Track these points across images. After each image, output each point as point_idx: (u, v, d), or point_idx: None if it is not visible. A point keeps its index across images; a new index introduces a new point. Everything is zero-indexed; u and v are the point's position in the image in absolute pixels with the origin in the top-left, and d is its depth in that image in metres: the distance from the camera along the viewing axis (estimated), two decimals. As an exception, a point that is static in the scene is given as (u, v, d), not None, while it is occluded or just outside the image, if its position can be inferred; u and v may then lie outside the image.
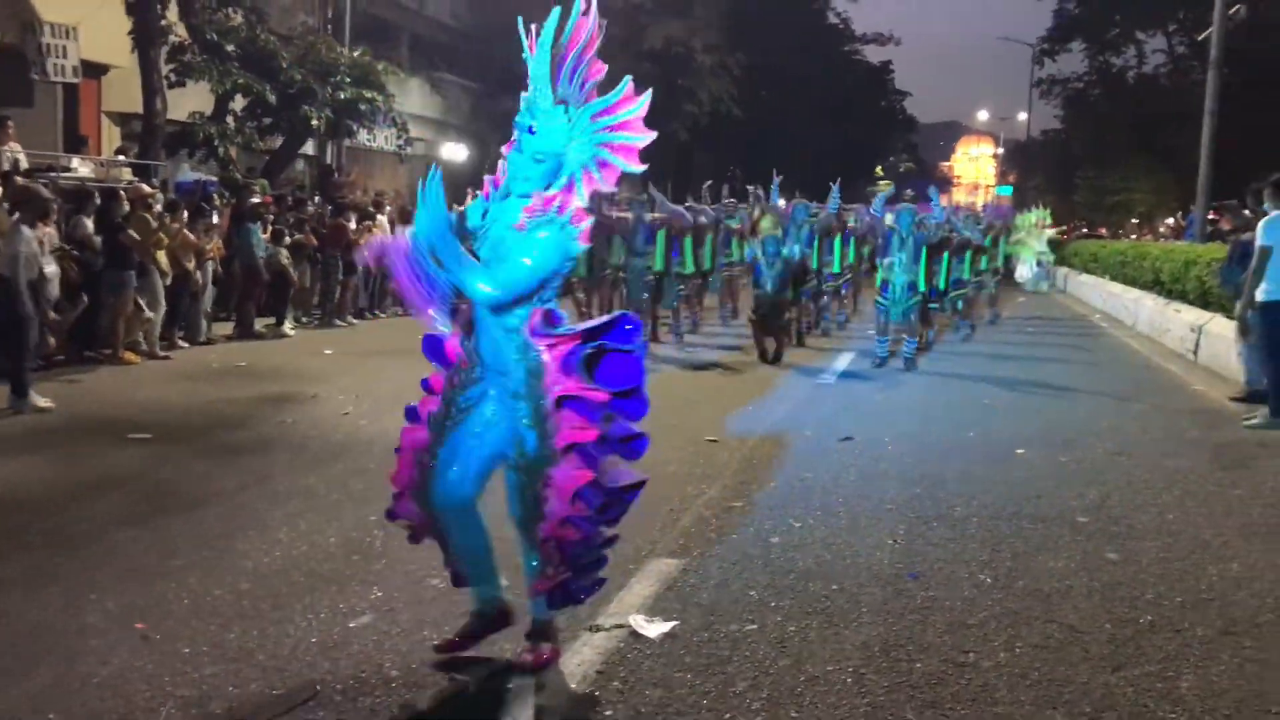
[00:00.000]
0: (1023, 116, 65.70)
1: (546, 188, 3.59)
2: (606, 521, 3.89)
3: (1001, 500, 6.45)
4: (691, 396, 10.00)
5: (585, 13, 3.53)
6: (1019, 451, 7.85)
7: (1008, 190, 68.97)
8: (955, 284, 14.72)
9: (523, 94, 3.61)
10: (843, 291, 17.38)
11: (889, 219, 14.50)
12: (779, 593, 4.78)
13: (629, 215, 13.77)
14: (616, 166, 3.59)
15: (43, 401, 8.58)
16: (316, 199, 18.03)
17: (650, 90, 3.60)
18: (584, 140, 3.55)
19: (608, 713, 3.60)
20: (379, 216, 17.13)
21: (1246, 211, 11.03)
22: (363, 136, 25.88)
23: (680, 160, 48.43)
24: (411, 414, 3.99)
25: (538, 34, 3.55)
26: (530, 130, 3.55)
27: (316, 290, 16.20)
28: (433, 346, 3.96)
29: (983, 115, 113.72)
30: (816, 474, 7.03)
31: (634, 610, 4.50)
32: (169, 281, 12.05)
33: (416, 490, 3.90)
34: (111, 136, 21.17)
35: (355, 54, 19.53)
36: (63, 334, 10.86)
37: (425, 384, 4.01)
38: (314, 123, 18.90)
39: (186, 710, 3.52)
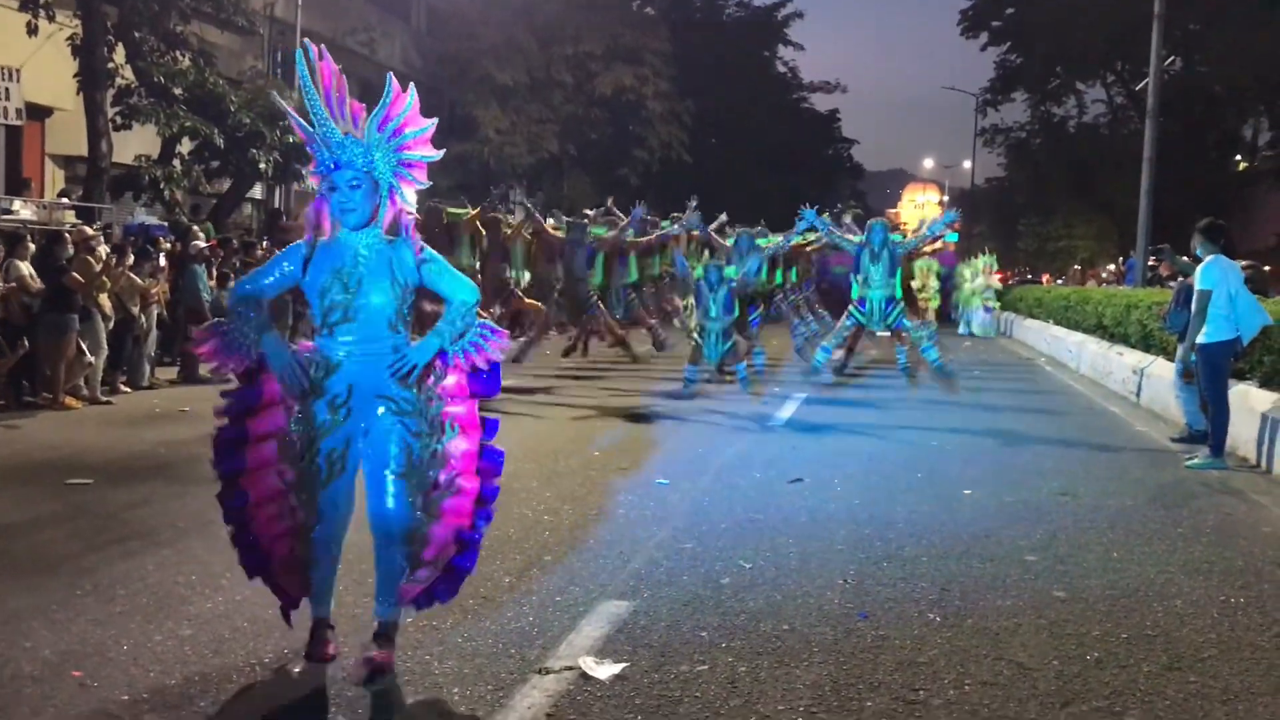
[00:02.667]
0: (967, 165, 66.90)
1: (375, 210, 3.83)
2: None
3: (950, 540, 6.49)
4: (641, 440, 9.99)
5: (320, 59, 3.80)
6: (966, 492, 7.91)
7: (954, 237, 70.04)
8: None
9: (310, 147, 3.89)
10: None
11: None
12: (730, 633, 4.77)
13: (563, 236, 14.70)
14: (421, 162, 3.92)
15: None
16: (265, 243, 17.86)
17: (412, 84, 3.88)
18: (382, 152, 3.82)
19: (557, 756, 3.55)
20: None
21: (1184, 258, 11.26)
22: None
23: (632, 204, 48.88)
24: (228, 459, 4.05)
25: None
26: (335, 166, 3.80)
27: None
28: (240, 400, 4.07)
29: (928, 163, 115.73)
30: (766, 515, 7.04)
31: (584, 652, 4.46)
32: (111, 325, 11.88)
33: (287, 537, 4.05)
34: (55, 179, 20.96)
35: (293, 95, 19.44)
36: (1, 378, 10.66)
37: (230, 432, 4.05)
38: (262, 166, 18.82)
39: (125, 759, 3.43)
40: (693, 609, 5.09)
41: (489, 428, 4.19)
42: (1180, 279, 11.40)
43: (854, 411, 12.31)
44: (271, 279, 3.98)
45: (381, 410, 3.89)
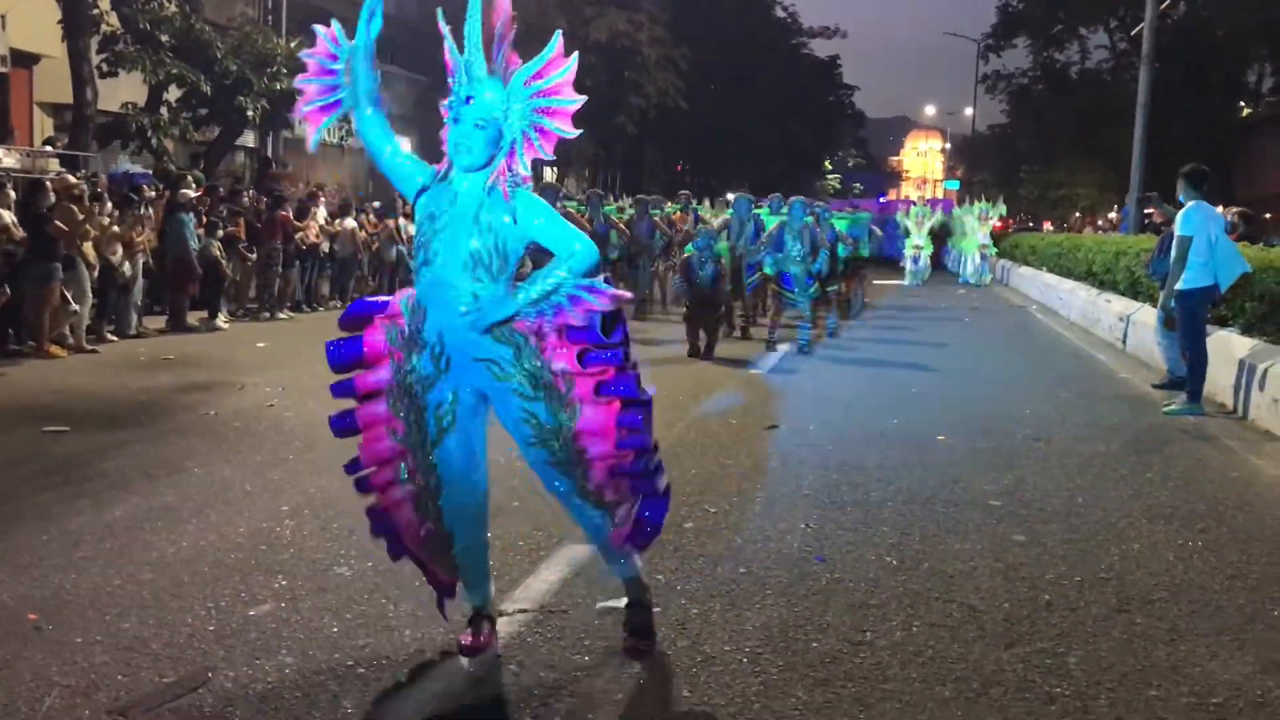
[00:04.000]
0: (969, 112, 66.40)
1: (491, 159, 3.53)
2: (648, 430, 3.89)
3: (917, 485, 6.53)
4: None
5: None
6: (940, 438, 7.94)
7: (955, 185, 69.71)
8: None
9: (452, 74, 3.55)
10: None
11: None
12: (686, 576, 4.82)
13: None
14: (553, 132, 3.56)
15: None
16: (252, 191, 17.81)
17: (576, 54, 3.54)
18: (520, 106, 3.51)
19: (500, 695, 3.60)
20: (316, 209, 16.97)
21: (1170, 206, 11.20)
22: (303, 128, 25.70)
23: (629, 154, 48.53)
24: (344, 424, 3.82)
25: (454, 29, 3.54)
26: (468, 100, 3.49)
27: (252, 283, 16.07)
28: (342, 354, 3.77)
29: (930, 110, 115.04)
30: (738, 461, 7.08)
31: (541, 596, 4.51)
32: (96, 274, 11.87)
33: (412, 506, 3.82)
34: (44, 127, 20.83)
35: (293, 44, 19.31)
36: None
37: (345, 389, 3.79)
38: (250, 114, 18.70)
39: (71, 699, 3.48)
40: (652, 552, 5.07)
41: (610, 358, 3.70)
42: (1168, 226, 11.37)
43: (838, 360, 12.36)
44: (402, 157, 3.70)
45: (488, 375, 3.60)
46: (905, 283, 28.00)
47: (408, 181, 3.68)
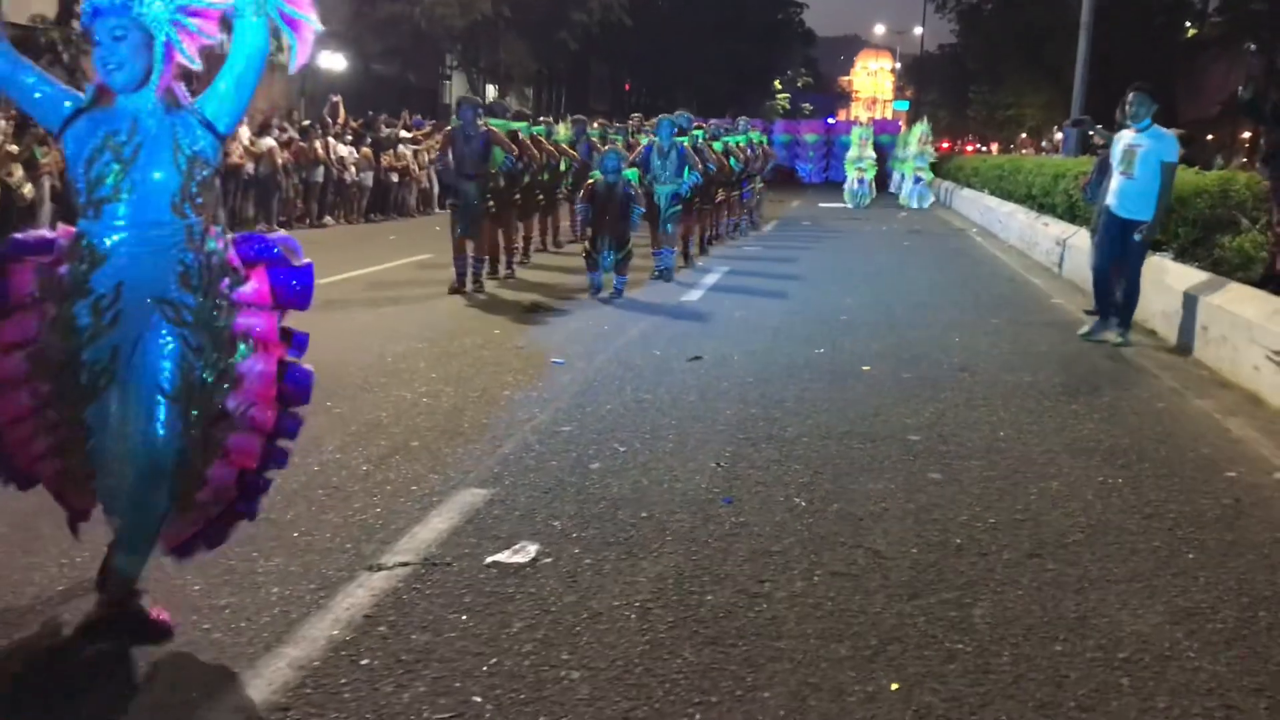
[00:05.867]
0: (919, 31, 65.80)
1: (148, 70, 3.22)
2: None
3: (835, 419, 6.32)
4: (546, 319, 9.72)
5: None
6: (865, 368, 7.75)
7: (904, 105, 69.25)
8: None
9: None
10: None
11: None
12: (584, 523, 4.57)
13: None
14: (196, 35, 3.28)
15: None
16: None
17: None
18: (160, 3, 3.21)
19: (364, 661, 3.34)
20: (238, 129, 16.31)
21: (1102, 127, 10.95)
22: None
23: (575, 71, 47.55)
24: None
25: None
26: (96, 12, 3.20)
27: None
28: None
29: (881, 29, 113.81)
30: (656, 395, 6.84)
31: (425, 547, 4.25)
32: (-5, 197, 11.29)
33: (57, 456, 3.42)
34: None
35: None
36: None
37: None
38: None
39: None
40: (553, 496, 4.89)
41: (296, 342, 3.54)
42: (1106, 149, 11.13)
43: (769, 285, 12.14)
44: (40, 78, 3.28)
45: (157, 318, 3.25)
46: (847, 204, 27.79)
47: (52, 109, 3.28)
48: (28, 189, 11.82)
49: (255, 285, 3.45)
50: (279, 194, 17.25)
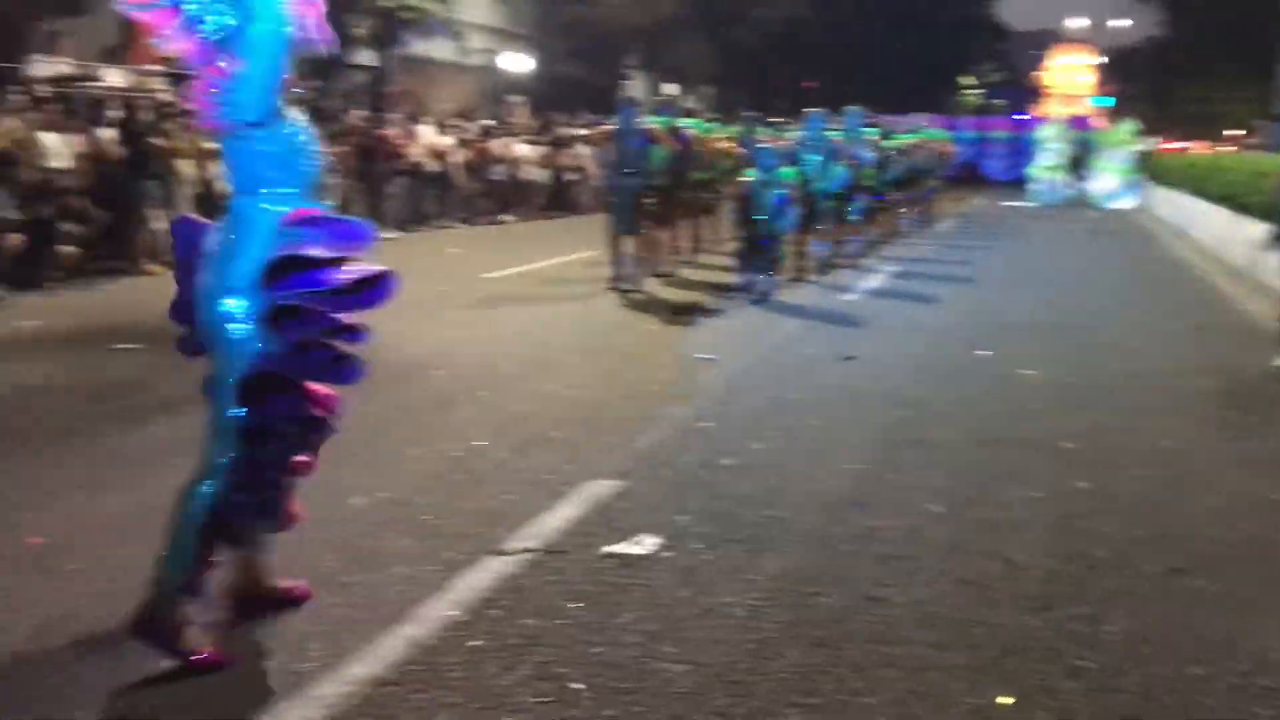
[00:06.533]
0: (1122, 23, 62.76)
1: None
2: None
3: (986, 424, 6.11)
4: (697, 317, 9.70)
5: None
6: (1029, 372, 7.45)
7: (1108, 102, 66.18)
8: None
9: None
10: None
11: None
12: (708, 518, 4.54)
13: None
14: None
15: None
16: (364, 111, 17.84)
17: None
18: None
19: (473, 643, 3.42)
20: (418, 127, 16.94)
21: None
22: (422, 47, 25.65)
23: (756, 69, 47.27)
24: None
25: None
26: None
27: (360, 201, 16.16)
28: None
29: (1082, 22, 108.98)
30: (801, 394, 6.75)
31: (549, 535, 4.31)
32: (192, 191, 12.00)
33: None
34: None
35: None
36: (86, 244, 10.91)
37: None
38: (356, 30, 18.67)
39: (45, 629, 3.43)
40: (681, 491, 4.89)
41: None
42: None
43: (937, 286, 11.81)
44: None
45: None
46: (1034, 203, 26.78)
47: None
48: (220, 184, 12.52)
49: None
50: (458, 191, 17.80)
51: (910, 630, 3.56)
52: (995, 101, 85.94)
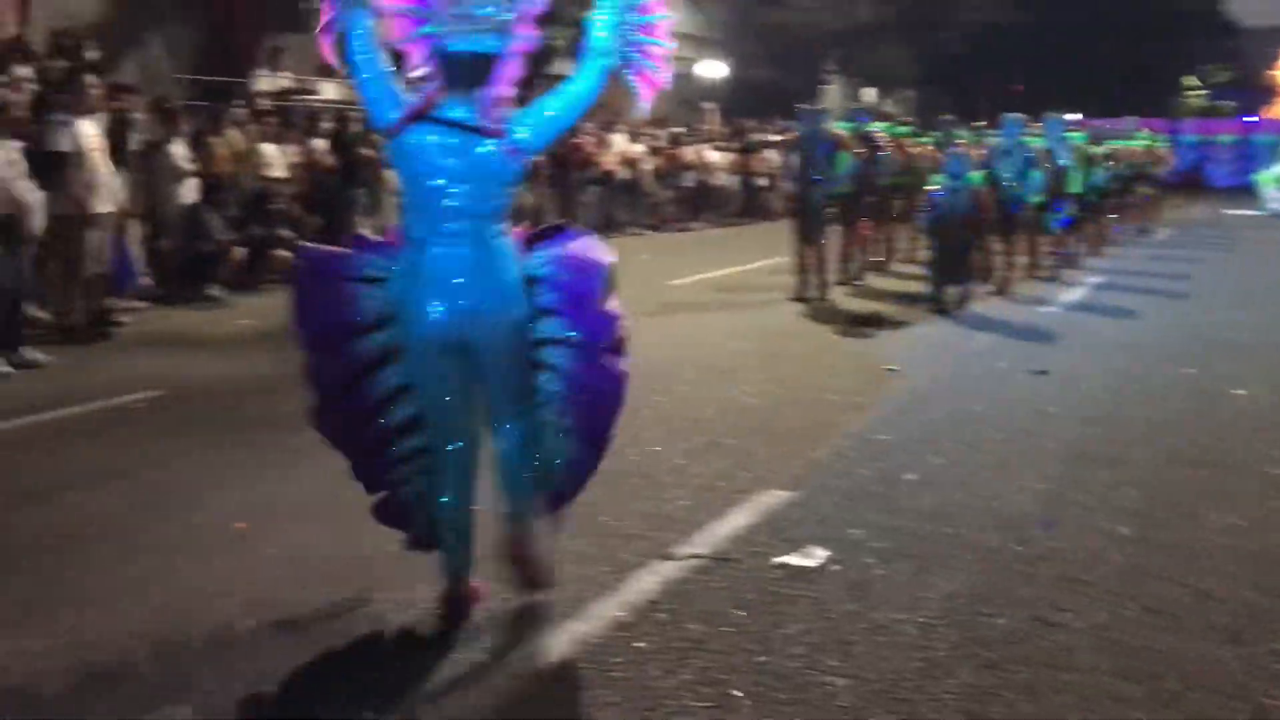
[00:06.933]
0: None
1: None
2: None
3: (1186, 444, 5.80)
4: (891, 323, 9.54)
5: None
6: (1239, 392, 7.02)
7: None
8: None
9: None
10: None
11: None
12: (883, 533, 4.48)
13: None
14: None
15: (5, 366, 6.95)
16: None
17: None
18: None
19: (638, 644, 3.48)
20: (612, 135, 17.26)
21: None
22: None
23: (959, 73, 46.06)
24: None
25: None
26: None
27: (553, 209, 16.61)
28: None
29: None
30: (988, 408, 6.56)
31: (720, 542, 4.34)
32: (397, 200, 12.58)
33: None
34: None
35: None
36: (295, 249, 11.59)
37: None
38: (558, 42, 19.13)
39: (245, 607, 3.68)
40: (856, 504, 4.83)
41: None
42: None
43: (1145, 298, 11.25)
44: None
45: None
46: (1263, 212, 25.10)
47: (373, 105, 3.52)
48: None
49: None
50: (648, 198, 18.04)
51: (1087, 656, 3.43)
52: (1221, 104, 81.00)
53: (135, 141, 9.25)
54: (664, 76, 3.47)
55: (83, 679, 3.23)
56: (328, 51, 3.50)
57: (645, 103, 3.55)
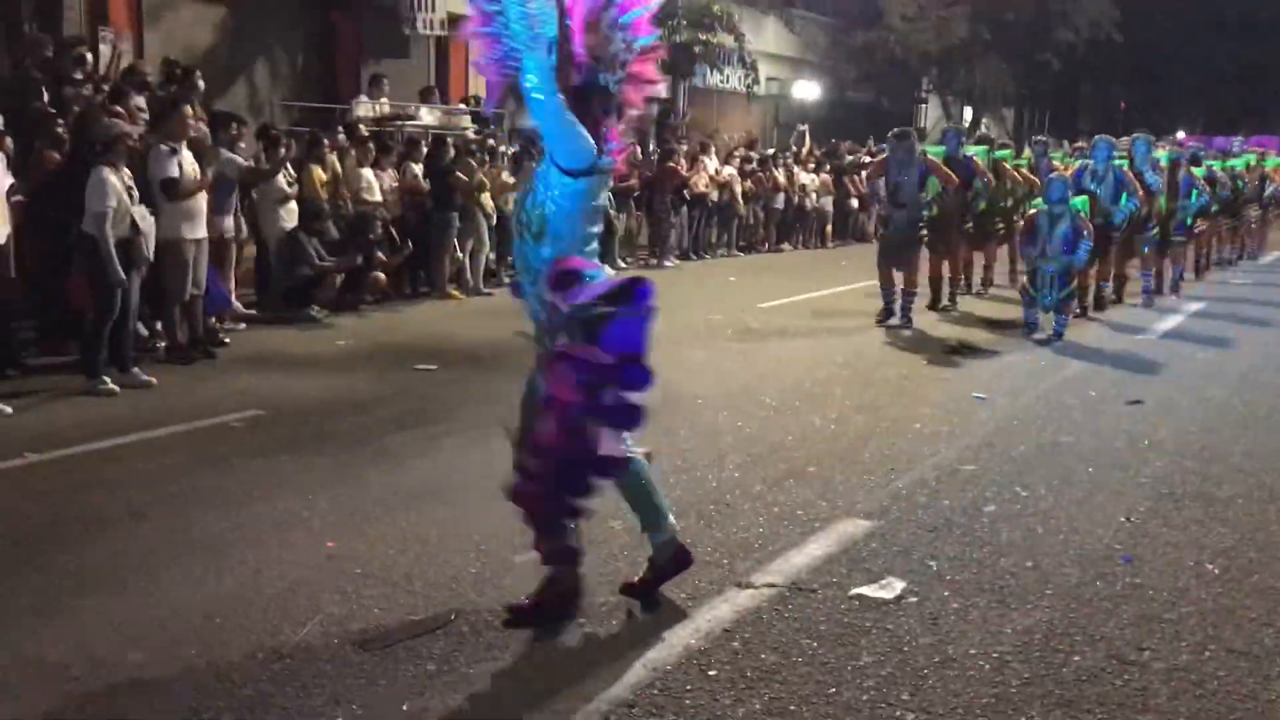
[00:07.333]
0: None
1: None
2: (568, 489, 3.69)
3: (1284, 481, 5.65)
4: (982, 350, 9.42)
5: None
6: (1342, 426, 6.82)
7: None
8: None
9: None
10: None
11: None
12: (962, 566, 4.47)
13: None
14: None
15: (112, 385, 7.18)
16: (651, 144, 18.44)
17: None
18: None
19: (711, 672, 3.53)
20: (706, 158, 17.34)
21: None
22: (715, 78, 26.23)
23: (1060, 90, 45.16)
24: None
25: None
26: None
27: (643, 230, 16.76)
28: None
29: None
30: (1077, 439, 6.46)
31: (797, 572, 4.36)
32: (494, 222, 12.81)
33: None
34: (479, 85, 22.70)
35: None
36: (396, 271, 11.89)
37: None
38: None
39: (330, 625, 3.82)
40: (936, 535, 4.82)
41: (627, 379, 3.59)
42: None
43: (1248, 328, 10.96)
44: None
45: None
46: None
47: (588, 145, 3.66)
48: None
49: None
50: (739, 220, 18.07)
51: (1165, 700, 3.39)
52: (1335, 119, 77.86)
53: (240, 169, 9.58)
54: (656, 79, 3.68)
55: (172, 690, 3.39)
56: (493, 93, 3.82)
57: (639, 108, 3.73)
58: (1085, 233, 9.90)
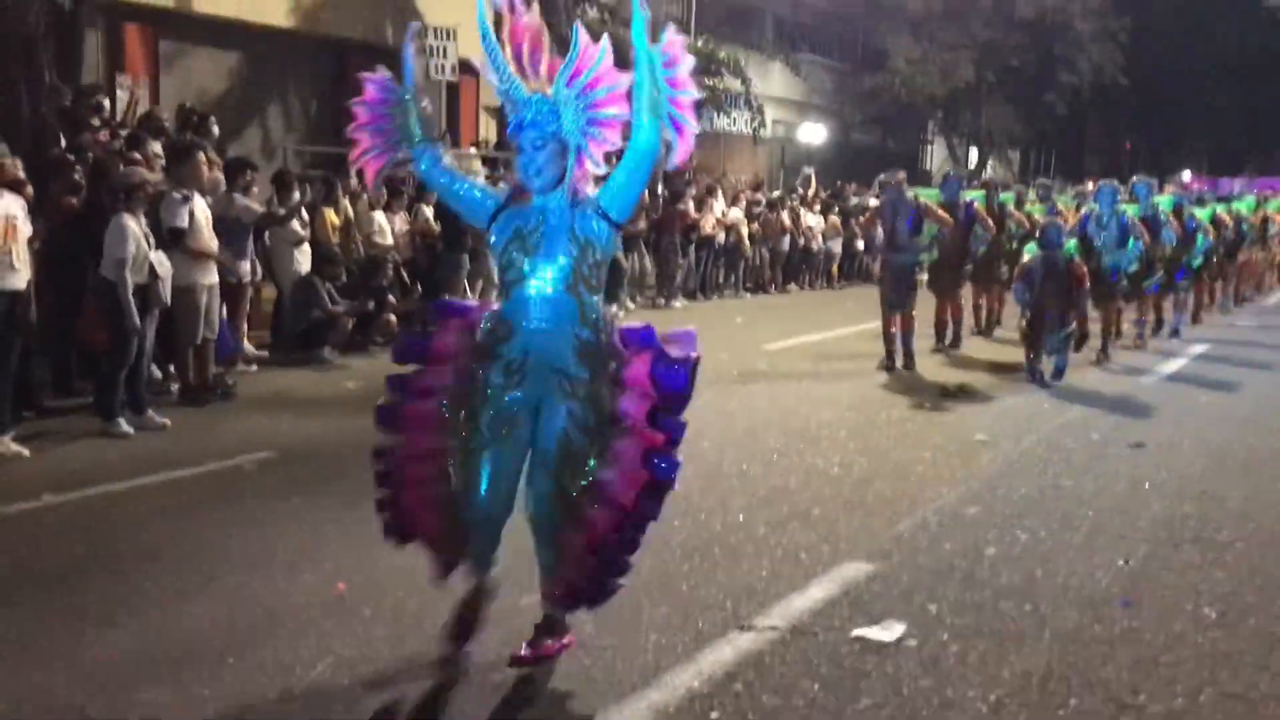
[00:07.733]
0: None
1: (562, 173, 3.63)
2: (617, 565, 3.85)
3: (1284, 525, 5.71)
4: (984, 393, 9.50)
5: (513, 10, 3.68)
6: (1343, 469, 6.88)
7: None
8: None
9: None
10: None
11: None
12: (961, 609, 4.53)
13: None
14: (604, 142, 3.56)
15: (127, 427, 7.29)
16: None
17: (606, 39, 3.54)
18: (572, 110, 3.58)
19: (713, 715, 3.60)
20: (713, 201, 17.53)
21: None
22: (722, 121, 26.53)
23: (1064, 133, 45.45)
24: (388, 417, 3.96)
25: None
26: (521, 125, 3.64)
27: (650, 271, 16.90)
28: (409, 349, 4.00)
29: None
30: (1078, 482, 6.54)
31: (798, 615, 4.43)
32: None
33: (437, 503, 3.89)
34: (489, 129, 22.98)
35: (698, 43, 20.00)
36: (407, 313, 12.02)
37: (398, 384, 3.95)
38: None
39: (339, 668, 3.90)
40: (937, 579, 4.89)
41: (668, 429, 3.68)
42: None
43: (1252, 371, 11.04)
44: (469, 185, 3.92)
45: (554, 386, 3.69)
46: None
47: (479, 209, 3.82)
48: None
49: (637, 371, 3.73)
50: (746, 261, 18.23)
51: (1160, 743, 3.45)
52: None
53: (254, 215, 9.74)
54: (694, 125, 3.55)
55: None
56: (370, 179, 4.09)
57: (683, 154, 3.60)
58: (1079, 278, 9.96)
